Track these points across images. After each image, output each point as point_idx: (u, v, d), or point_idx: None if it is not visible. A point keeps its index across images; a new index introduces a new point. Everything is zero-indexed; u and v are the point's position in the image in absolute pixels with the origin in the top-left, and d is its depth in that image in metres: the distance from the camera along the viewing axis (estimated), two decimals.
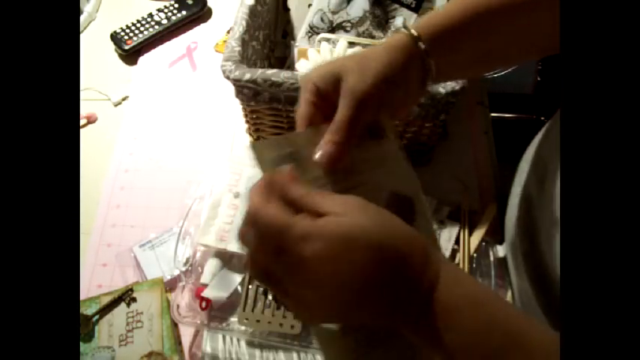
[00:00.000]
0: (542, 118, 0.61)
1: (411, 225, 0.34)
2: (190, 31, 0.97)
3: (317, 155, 0.38)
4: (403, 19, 0.76)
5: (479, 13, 0.43)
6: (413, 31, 0.42)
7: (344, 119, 0.38)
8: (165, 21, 0.95)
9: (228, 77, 0.64)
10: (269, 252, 0.32)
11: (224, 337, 0.62)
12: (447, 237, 0.67)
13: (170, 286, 0.67)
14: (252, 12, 0.71)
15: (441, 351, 0.31)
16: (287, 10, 0.83)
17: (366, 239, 0.30)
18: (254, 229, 0.33)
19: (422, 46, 0.42)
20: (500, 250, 0.64)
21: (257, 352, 0.61)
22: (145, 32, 0.94)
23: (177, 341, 0.64)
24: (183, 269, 0.64)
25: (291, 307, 0.33)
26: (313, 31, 0.78)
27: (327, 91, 0.40)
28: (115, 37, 0.93)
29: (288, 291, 0.32)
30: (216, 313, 0.64)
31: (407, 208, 0.41)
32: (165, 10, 0.96)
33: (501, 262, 0.67)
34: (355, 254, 0.30)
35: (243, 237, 0.34)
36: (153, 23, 0.95)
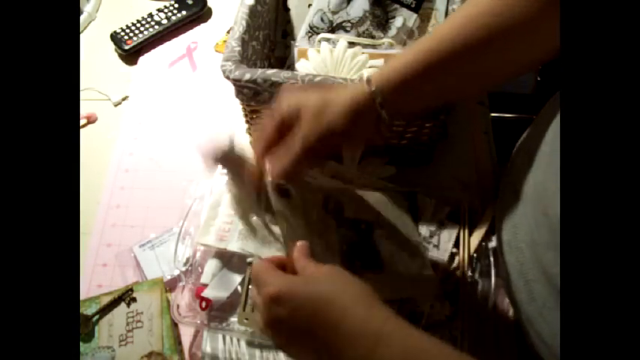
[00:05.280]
0: None
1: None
2: (190, 31, 0.97)
3: (268, 170, 0.49)
4: (403, 19, 0.77)
5: (432, 61, 0.46)
6: (372, 87, 0.47)
7: (294, 157, 0.47)
8: (165, 21, 0.95)
9: (228, 77, 0.64)
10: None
11: (224, 337, 0.62)
12: (446, 237, 0.67)
13: (170, 286, 0.67)
14: (252, 12, 0.71)
15: None
16: (287, 10, 0.83)
17: (316, 299, 0.40)
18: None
19: (378, 100, 0.47)
20: (494, 241, 0.64)
21: (257, 352, 0.61)
22: (145, 32, 0.94)
23: (177, 341, 0.64)
24: (183, 269, 0.64)
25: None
26: (313, 31, 0.78)
27: (291, 121, 0.48)
28: (115, 37, 0.93)
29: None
30: (216, 313, 0.64)
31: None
32: (165, 10, 0.96)
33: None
34: (306, 310, 0.40)
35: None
36: (153, 23, 0.95)
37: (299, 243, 0.47)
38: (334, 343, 0.39)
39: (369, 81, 0.47)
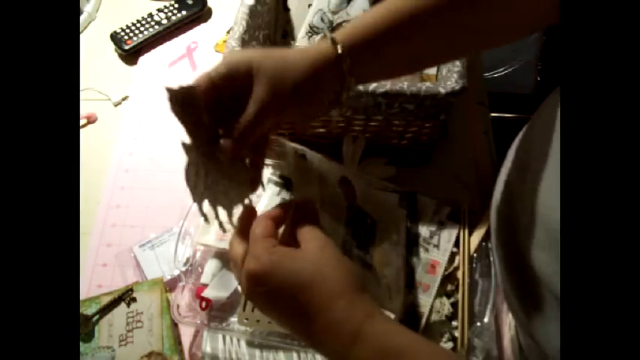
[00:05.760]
0: None
1: None
2: (190, 31, 0.97)
3: (219, 148, 0.45)
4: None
5: (403, 20, 0.42)
6: (338, 48, 0.42)
7: (249, 125, 0.42)
8: (165, 21, 0.95)
9: None
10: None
11: (224, 337, 0.62)
12: (446, 237, 0.67)
13: (170, 286, 0.67)
14: (252, 12, 0.71)
15: None
16: (287, 10, 0.83)
17: (297, 282, 0.37)
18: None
19: (346, 64, 0.42)
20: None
21: (257, 352, 0.61)
22: (145, 32, 0.94)
23: (177, 341, 0.64)
24: (183, 269, 0.64)
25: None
26: (313, 31, 0.78)
27: (237, 82, 0.42)
28: (115, 37, 0.93)
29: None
30: (216, 313, 0.64)
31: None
32: (165, 10, 0.96)
33: None
34: (286, 292, 0.37)
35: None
36: (153, 23, 0.95)
37: (307, 200, 0.43)
38: (313, 331, 0.37)
39: (334, 42, 0.42)
